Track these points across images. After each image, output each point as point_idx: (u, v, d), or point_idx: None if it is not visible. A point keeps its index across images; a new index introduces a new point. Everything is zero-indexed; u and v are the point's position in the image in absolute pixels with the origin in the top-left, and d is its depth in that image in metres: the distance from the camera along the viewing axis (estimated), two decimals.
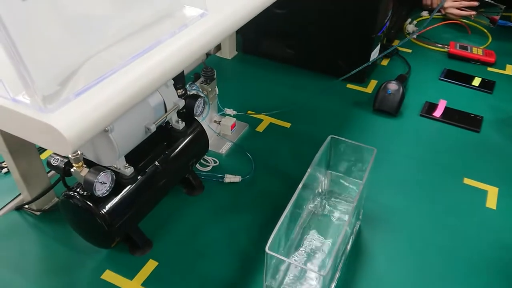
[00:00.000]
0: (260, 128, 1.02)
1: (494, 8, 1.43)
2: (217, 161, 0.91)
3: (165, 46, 0.51)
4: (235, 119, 0.97)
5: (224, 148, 0.95)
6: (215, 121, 0.96)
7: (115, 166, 0.63)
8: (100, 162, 0.64)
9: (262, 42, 1.26)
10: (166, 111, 0.69)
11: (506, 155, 0.96)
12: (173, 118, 0.73)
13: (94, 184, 0.59)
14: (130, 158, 0.66)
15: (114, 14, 0.49)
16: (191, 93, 0.78)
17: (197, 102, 0.75)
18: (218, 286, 0.69)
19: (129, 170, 0.64)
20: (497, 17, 1.42)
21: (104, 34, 0.48)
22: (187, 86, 0.88)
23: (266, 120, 1.04)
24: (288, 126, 1.02)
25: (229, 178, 0.87)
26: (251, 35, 1.27)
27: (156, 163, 0.71)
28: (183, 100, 0.71)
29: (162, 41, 0.51)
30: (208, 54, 1.29)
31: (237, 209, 0.82)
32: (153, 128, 0.65)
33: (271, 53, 1.26)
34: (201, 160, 0.90)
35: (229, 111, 0.98)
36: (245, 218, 0.80)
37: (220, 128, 0.96)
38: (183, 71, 0.77)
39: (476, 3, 1.41)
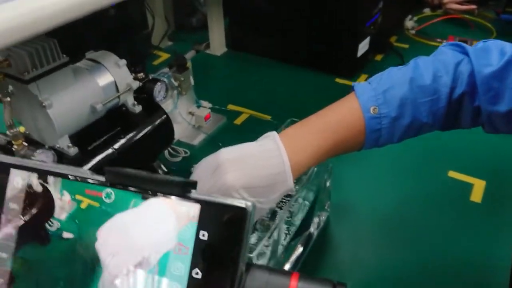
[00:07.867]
0: (239, 121, 0.99)
1: (500, 1, 1.36)
2: (188, 152, 0.88)
3: None
4: (209, 110, 0.94)
5: (197, 140, 0.92)
6: (189, 113, 0.93)
7: (58, 145, 0.61)
8: (43, 141, 0.62)
9: (250, 38, 1.24)
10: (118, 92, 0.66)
11: (493, 147, 0.89)
12: (129, 101, 0.70)
13: None
14: (78, 139, 0.64)
15: None
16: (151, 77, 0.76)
17: (156, 86, 0.73)
18: None
19: (72, 151, 0.62)
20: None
21: None
22: (159, 74, 0.86)
23: (246, 113, 1.01)
24: (269, 119, 0.99)
25: None
26: (240, 32, 1.25)
27: (110, 146, 0.68)
28: (138, 82, 0.69)
29: None
30: (197, 51, 1.28)
31: None
32: (99, 107, 0.62)
33: (260, 49, 1.23)
34: (171, 150, 0.87)
35: (205, 103, 0.95)
36: None
37: (195, 119, 0.94)
38: (143, 54, 0.76)
39: None
